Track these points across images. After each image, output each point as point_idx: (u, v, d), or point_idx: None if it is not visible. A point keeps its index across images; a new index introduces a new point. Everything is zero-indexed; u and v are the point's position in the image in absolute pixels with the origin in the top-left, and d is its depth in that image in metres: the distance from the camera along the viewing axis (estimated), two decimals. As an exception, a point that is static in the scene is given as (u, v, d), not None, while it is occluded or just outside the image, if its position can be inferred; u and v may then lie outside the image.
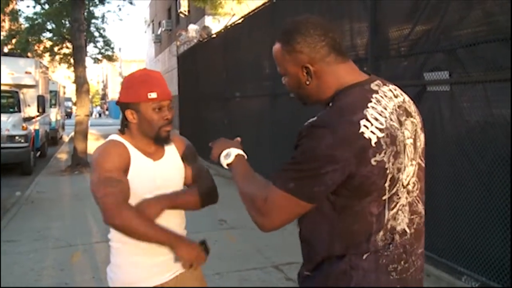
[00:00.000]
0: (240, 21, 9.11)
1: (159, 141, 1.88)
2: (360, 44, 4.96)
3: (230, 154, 1.53)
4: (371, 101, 1.30)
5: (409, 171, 1.36)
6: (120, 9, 51.80)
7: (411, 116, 1.40)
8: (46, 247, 5.09)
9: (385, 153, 1.25)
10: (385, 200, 1.30)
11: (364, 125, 1.24)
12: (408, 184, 1.36)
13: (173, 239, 1.80)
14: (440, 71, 3.82)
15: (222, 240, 5.22)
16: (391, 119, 1.30)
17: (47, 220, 6.18)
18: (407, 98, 1.43)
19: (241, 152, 1.56)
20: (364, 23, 4.86)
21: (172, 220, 1.92)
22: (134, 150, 1.86)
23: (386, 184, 1.28)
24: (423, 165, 1.45)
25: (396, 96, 1.39)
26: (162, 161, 1.93)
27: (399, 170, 1.31)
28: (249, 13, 8.54)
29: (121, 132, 1.91)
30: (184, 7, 20.32)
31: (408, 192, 1.37)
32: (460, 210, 3.63)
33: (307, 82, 1.39)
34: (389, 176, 1.28)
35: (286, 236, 5.27)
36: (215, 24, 15.48)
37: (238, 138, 1.67)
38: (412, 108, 1.43)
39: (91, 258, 4.70)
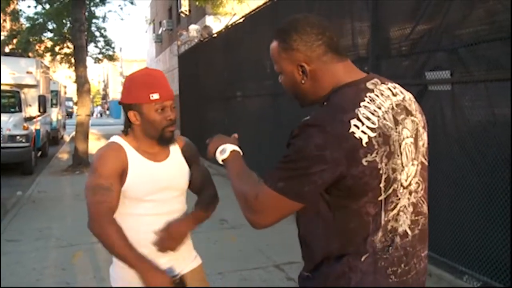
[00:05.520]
0: (241, 20, 9.10)
1: (163, 141, 1.87)
2: (361, 44, 4.95)
3: (225, 150, 1.52)
4: (364, 100, 1.27)
5: (411, 171, 1.34)
6: (121, 9, 51.83)
7: (412, 115, 1.37)
8: (47, 246, 5.10)
9: (377, 153, 1.23)
10: (381, 200, 1.27)
11: (355, 125, 1.21)
12: (410, 184, 1.34)
13: (141, 265, 1.72)
14: (442, 70, 3.81)
15: (223, 240, 5.21)
16: (384, 118, 1.27)
17: (49, 220, 6.18)
18: (407, 96, 1.40)
19: (237, 148, 1.54)
20: (365, 22, 4.85)
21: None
22: (134, 153, 1.85)
23: (381, 185, 1.26)
24: (426, 164, 1.42)
25: (395, 95, 1.36)
26: (167, 162, 1.92)
27: (394, 170, 1.28)
28: (250, 12, 8.53)
29: (125, 133, 1.90)
30: (184, 6, 20.31)
31: (410, 193, 1.34)
32: (461, 209, 3.62)
33: (302, 81, 1.37)
34: (384, 176, 1.26)
35: (287, 235, 5.27)
36: (216, 23, 15.47)
37: (235, 135, 1.65)
38: (413, 106, 1.39)
39: (92, 257, 4.69)
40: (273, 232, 5.58)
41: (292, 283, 3.98)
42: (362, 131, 1.21)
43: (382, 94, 1.32)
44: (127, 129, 1.89)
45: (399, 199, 1.31)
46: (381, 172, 1.24)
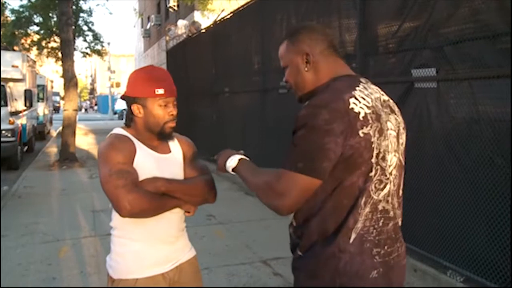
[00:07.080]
0: (229, 16, 9.09)
1: (163, 136, 1.92)
2: (349, 41, 4.98)
3: (233, 159, 1.62)
4: (358, 86, 1.46)
5: (393, 161, 1.46)
6: (107, 0, 51.43)
7: (395, 114, 1.53)
8: (33, 242, 5.07)
9: (371, 127, 1.39)
10: (371, 176, 1.40)
11: (353, 102, 1.39)
12: (391, 173, 1.46)
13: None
14: (428, 68, 3.85)
15: (210, 235, 5.23)
16: (376, 102, 1.45)
17: (35, 215, 6.14)
18: (391, 101, 1.57)
19: (243, 156, 1.63)
20: (353, 20, 4.88)
21: (175, 214, 1.94)
22: (139, 143, 1.89)
23: (373, 160, 1.39)
24: (403, 163, 1.54)
25: (382, 94, 1.53)
26: (170, 156, 1.96)
27: (384, 149, 1.41)
28: (239, 8, 8.52)
29: (127, 126, 1.95)
30: (173, 2, 20.23)
31: (392, 181, 1.46)
32: (446, 205, 3.67)
33: (306, 69, 1.55)
34: (375, 151, 1.39)
35: (274, 231, 5.30)
36: (204, 19, 15.42)
37: (241, 151, 1.72)
38: (396, 108, 1.56)
39: (78, 252, 4.69)
40: (259, 228, 5.59)
41: (278, 278, 4.01)
42: (360, 107, 1.39)
43: (370, 87, 1.51)
44: (129, 122, 1.94)
45: (388, 179, 1.45)
46: (373, 146, 1.39)
